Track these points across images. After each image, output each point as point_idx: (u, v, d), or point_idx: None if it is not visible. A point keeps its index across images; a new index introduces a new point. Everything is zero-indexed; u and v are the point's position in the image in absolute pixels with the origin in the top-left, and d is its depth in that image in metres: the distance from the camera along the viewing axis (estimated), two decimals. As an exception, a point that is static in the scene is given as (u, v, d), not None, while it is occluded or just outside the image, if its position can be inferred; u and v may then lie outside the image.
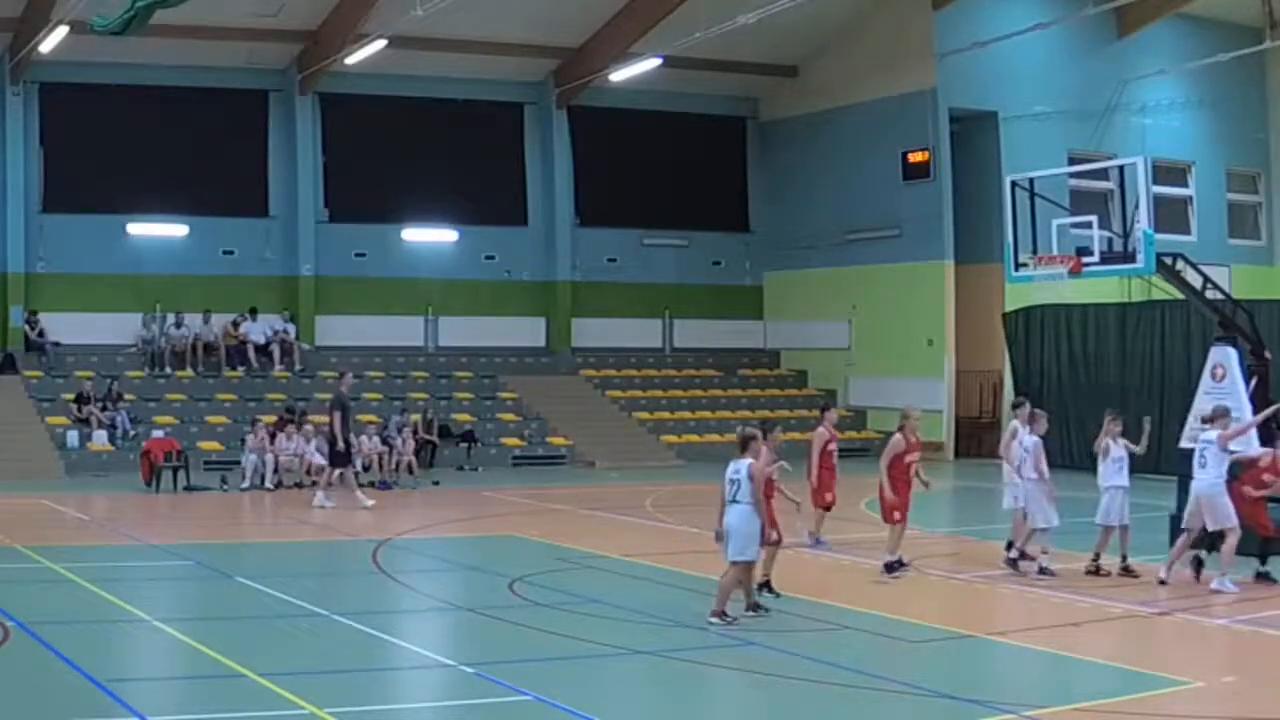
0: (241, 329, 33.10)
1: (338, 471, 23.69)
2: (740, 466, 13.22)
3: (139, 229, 33.27)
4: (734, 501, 13.14)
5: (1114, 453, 16.15)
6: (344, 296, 34.72)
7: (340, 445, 23.45)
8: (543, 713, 10.19)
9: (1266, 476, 15.69)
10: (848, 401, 36.67)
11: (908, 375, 34.17)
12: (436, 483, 27.51)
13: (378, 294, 35.00)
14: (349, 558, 18.26)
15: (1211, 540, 15.37)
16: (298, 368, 33.26)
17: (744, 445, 13.40)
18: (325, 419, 29.70)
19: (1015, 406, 18.34)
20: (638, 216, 37.50)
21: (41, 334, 31.78)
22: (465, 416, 32.39)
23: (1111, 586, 15.37)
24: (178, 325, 32.60)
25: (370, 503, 23.32)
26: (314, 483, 26.60)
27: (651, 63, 33.43)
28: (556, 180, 36.56)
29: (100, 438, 29.01)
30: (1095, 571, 15.87)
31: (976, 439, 34.30)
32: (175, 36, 29.75)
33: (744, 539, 13.09)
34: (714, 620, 13.08)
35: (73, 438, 28.98)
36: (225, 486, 25.84)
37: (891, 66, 34.39)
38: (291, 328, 33.72)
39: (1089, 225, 20.08)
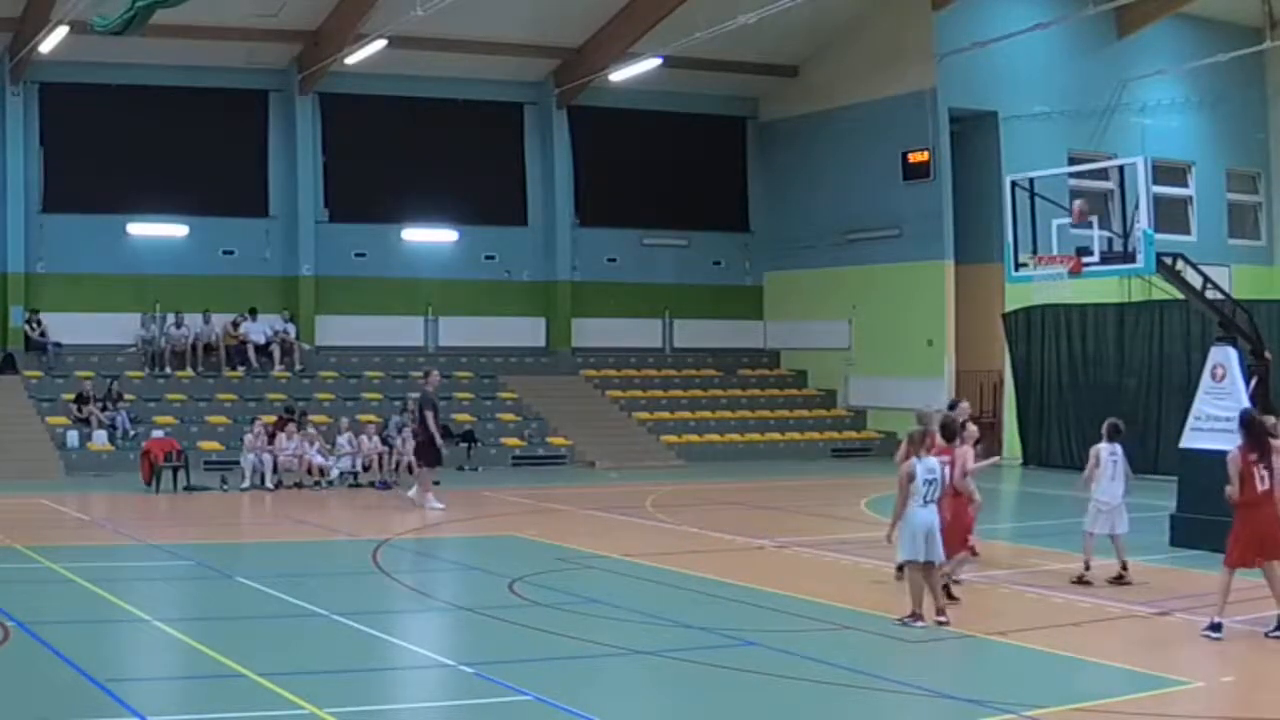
0: (241, 329, 33.10)
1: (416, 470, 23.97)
2: (933, 465, 13.13)
3: (139, 229, 33.25)
4: (934, 501, 13.06)
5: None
6: (344, 296, 34.70)
7: (437, 443, 23.59)
8: (543, 713, 10.19)
9: None
10: (847, 401, 36.71)
11: (908, 375, 34.18)
12: (437, 482, 27.44)
13: (378, 294, 34.99)
14: (349, 558, 18.26)
15: None
16: (298, 368, 33.27)
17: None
18: (324, 419, 29.88)
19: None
20: (637, 216, 37.49)
21: (43, 334, 31.76)
22: (465, 416, 32.38)
23: (1112, 586, 15.35)
24: (178, 325, 32.58)
25: (441, 506, 23.16)
26: (316, 483, 26.68)
27: (651, 63, 33.42)
28: (556, 180, 36.56)
29: (100, 438, 29.00)
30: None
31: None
32: (175, 36, 29.72)
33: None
34: (907, 621, 13.05)
35: (73, 438, 28.98)
36: (225, 486, 25.84)
37: (891, 67, 34.38)
38: (292, 327, 33.72)
39: (1089, 225, 20.07)
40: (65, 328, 31.98)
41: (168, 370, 32.09)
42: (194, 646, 12.15)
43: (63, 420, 29.35)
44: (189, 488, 25.53)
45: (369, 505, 24.50)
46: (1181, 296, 21.08)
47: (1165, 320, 29.11)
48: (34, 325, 31.70)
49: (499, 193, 36.50)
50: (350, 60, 32.02)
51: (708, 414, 35.27)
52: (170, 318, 32.66)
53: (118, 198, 32.69)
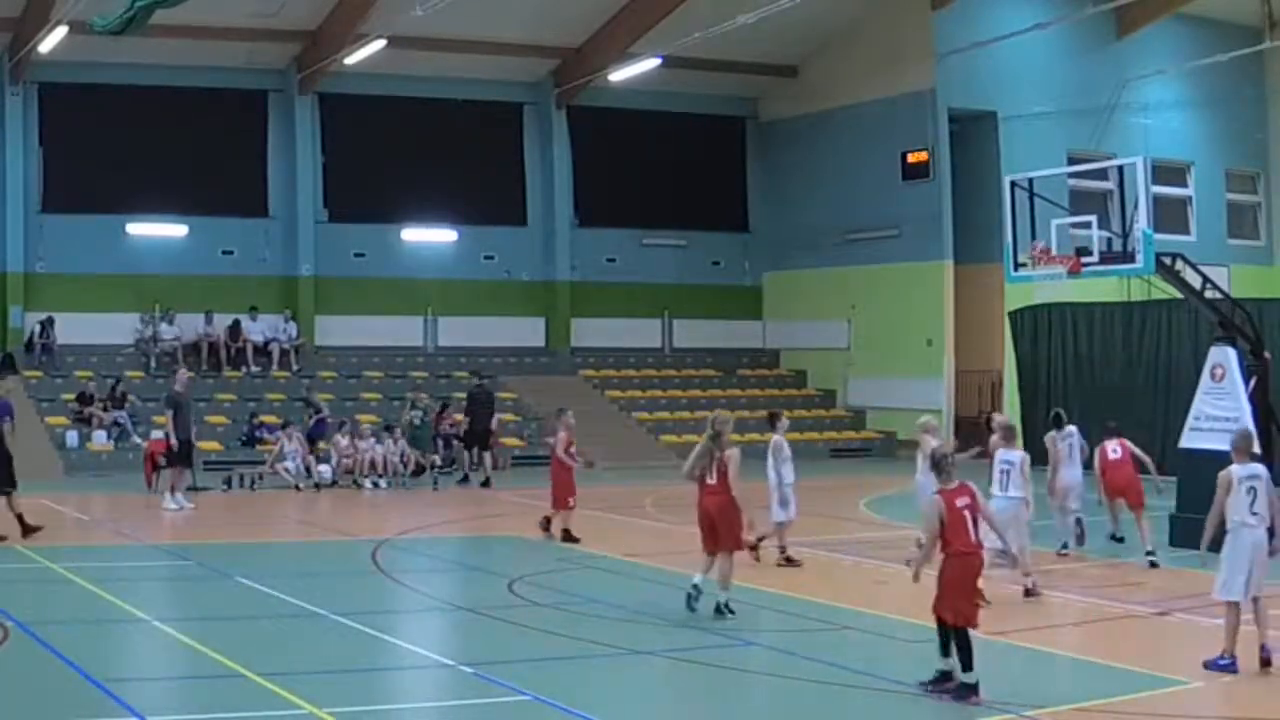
0: (242, 329, 33.08)
1: None
2: None
3: (138, 229, 33.25)
4: None
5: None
6: (344, 296, 34.69)
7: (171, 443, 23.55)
8: (543, 713, 10.19)
9: None
10: (846, 401, 36.70)
11: (907, 375, 34.17)
12: (438, 480, 27.53)
13: (377, 294, 34.98)
14: (349, 558, 18.26)
15: None
16: (295, 367, 33.24)
17: None
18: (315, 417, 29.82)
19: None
20: (637, 216, 37.49)
21: (49, 343, 31.58)
22: (461, 418, 32.28)
23: (1112, 586, 15.37)
24: (169, 323, 32.54)
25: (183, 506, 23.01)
26: (315, 485, 26.67)
27: (651, 63, 33.43)
28: (556, 180, 36.56)
29: (99, 438, 28.98)
30: None
31: (975, 439, 34.21)
32: (175, 36, 29.70)
33: None
34: None
35: (72, 438, 28.96)
36: (225, 487, 25.85)
37: (891, 67, 34.38)
38: (293, 326, 33.71)
39: (1088, 225, 20.09)
40: (65, 328, 31.97)
41: (163, 371, 32.05)
42: (194, 646, 12.15)
43: (62, 420, 29.33)
44: (190, 488, 25.49)
45: (367, 505, 24.49)
46: (1182, 296, 21.07)
47: (1173, 319, 28.96)
48: (46, 333, 31.58)
49: (498, 193, 36.51)
50: (350, 60, 32.03)
51: (707, 414, 35.07)
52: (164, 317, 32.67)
53: (117, 198, 32.68)
